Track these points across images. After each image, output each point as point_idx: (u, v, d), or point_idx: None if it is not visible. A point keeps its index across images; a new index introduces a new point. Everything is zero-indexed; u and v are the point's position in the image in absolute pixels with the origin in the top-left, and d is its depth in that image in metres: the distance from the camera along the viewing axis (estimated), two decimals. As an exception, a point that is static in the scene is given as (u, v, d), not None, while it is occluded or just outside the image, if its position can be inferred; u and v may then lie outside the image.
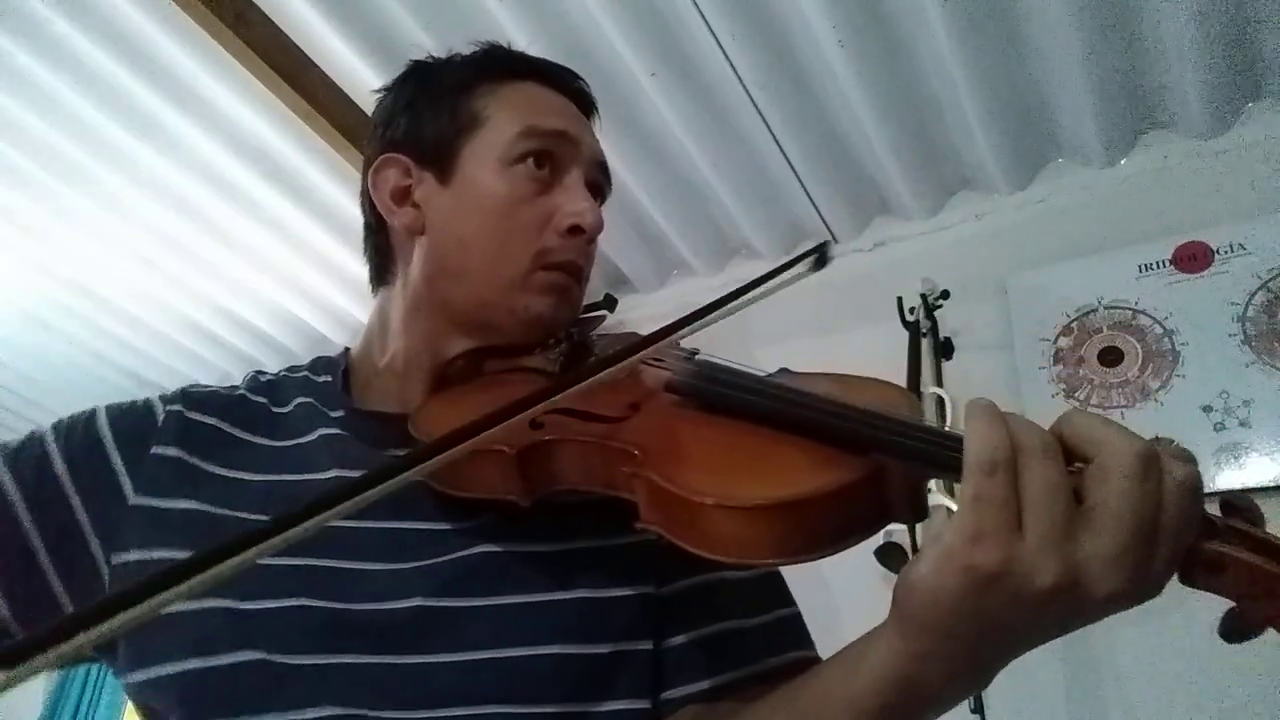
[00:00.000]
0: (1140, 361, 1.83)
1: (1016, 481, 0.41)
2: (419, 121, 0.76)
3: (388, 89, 0.82)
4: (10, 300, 2.73)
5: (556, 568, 0.65)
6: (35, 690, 3.36)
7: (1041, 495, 0.41)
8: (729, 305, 0.62)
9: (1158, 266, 1.87)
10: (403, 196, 0.76)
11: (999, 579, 0.41)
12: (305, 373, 0.79)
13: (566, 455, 0.60)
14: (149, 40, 1.96)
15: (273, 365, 3.01)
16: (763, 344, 1.95)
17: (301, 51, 2.01)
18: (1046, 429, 0.45)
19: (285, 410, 0.75)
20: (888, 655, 0.48)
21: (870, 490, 0.49)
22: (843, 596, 1.61)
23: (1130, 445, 0.41)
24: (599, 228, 0.74)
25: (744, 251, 2.44)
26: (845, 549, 0.49)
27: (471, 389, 0.73)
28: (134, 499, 0.65)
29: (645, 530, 0.54)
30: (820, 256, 0.67)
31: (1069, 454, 0.43)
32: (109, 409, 0.70)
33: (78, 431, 0.68)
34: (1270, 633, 0.41)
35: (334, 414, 0.73)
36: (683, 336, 0.62)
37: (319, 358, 0.82)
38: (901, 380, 1.91)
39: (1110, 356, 1.86)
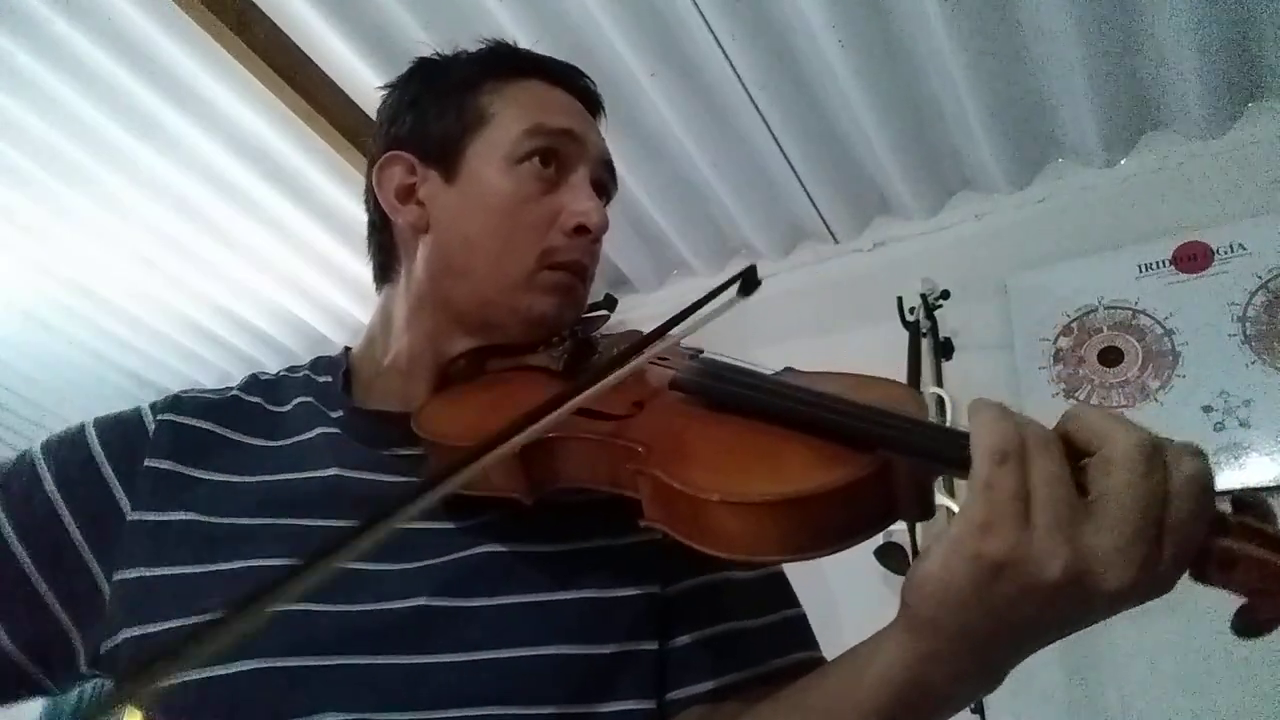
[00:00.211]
0: (1140, 361, 1.83)
1: (1025, 473, 0.41)
2: (424, 119, 0.76)
3: (393, 86, 0.82)
4: (10, 300, 2.73)
5: (560, 568, 0.64)
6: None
7: (1047, 487, 0.41)
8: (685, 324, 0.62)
9: (1158, 266, 1.87)
10: (407, 194, 0.76)
11: (1006, 568, 0.41)
12: (306, 372, 0.79)
13: (570, 452, 0.59)
14: (149, 40, 1.95)
15: (273, 365, 3.01)
16: (763, 344, 1.95)
17: (301, 51, 2.00)
18: (1051, 427, 0.45)
19: (283, 410, 0.74)
20: (896, 656, 0.47)
21: (877, 487, 0.48)
22: (843, 596, 1.61)
23: (1133, 437, 0.41)
24: (604, 227, 0.74)
25: (744, 251, 2.44)
26: (850, 546, 0.49)
27: (475, 387, 0.73)
28: (131, 514, 0.64)
29: (649, 528, 0.54)
30: (746, 281, 0.66)
31: (1075, 449, 0.43)
32: (98, 424, 0.69)
33: (68, 450, 0.67)
34: (1271, 648, 0.41)
35: (334, 414, 0.73)
36: (681, 337, 0.62)
37: (320, 358, 0.82)
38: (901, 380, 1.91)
39: (1110, 356, 1.86)
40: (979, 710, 1.60)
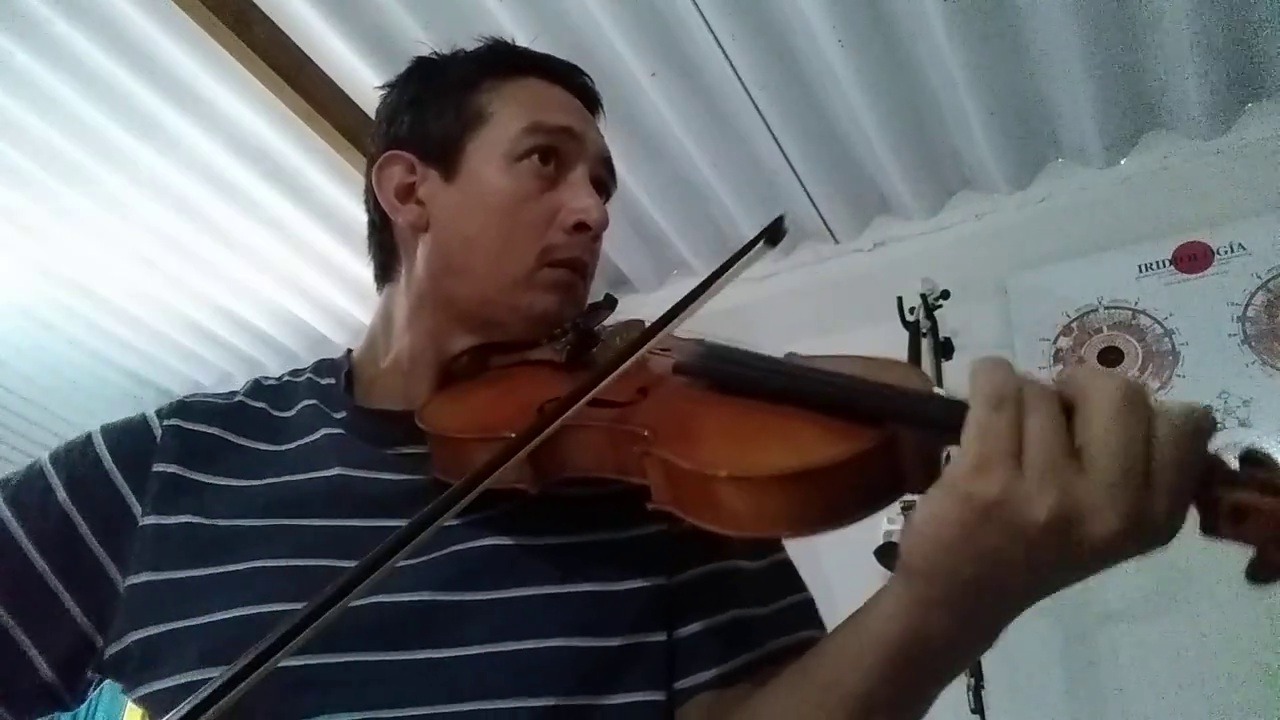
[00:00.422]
0: (1140, 361, 1.83)
1: (1019, 419, 0.42)
2: (423, 118, 0.76)
3: (392, 85, 0.82)
4: (10, 300, 2.73)
5: (566, 560, 0.64)
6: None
7: (1040, 432, 0.42)
8: (711, 288, 0.62)
9: (1158, 266, 1.87)
10: (407, 193, 0.76)
11: (996, 508, 0.41)
12: (309, 375, 0.79)
13: (576, 441, 0.59)
14: (149, 40, 1.96)
15: (273, 365, 3.02)
16: (763, 344, 1.94)
17: (301, 51, 2.01)
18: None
19: (288, 414, 0.74)
20: (893, 607, 0.48)
21: (885, 459, 0.48)
22: (843, 596, 1.60)
23: (1113, 383, 0.42)
24: (604, 224, 0.74)
25: (744, 251, 2.44)
26: (859, 520, 0.49)
27: (477, 384, 0.73)
28: (143, 519, 0.65)
29: (657, 509, 0.54)
30: (773, 231, 0.66)
31: (1069, 405, 0.44)
32: (105, 431, 0.70)
33: (77, 458, 0.68)
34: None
35: (337, 414, 0.73)
36: (682, 321, 0.62)
37: (322, 360, 0.82)
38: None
39: (1110, 356, 1.86)
40: (979, 710, 1.60)
